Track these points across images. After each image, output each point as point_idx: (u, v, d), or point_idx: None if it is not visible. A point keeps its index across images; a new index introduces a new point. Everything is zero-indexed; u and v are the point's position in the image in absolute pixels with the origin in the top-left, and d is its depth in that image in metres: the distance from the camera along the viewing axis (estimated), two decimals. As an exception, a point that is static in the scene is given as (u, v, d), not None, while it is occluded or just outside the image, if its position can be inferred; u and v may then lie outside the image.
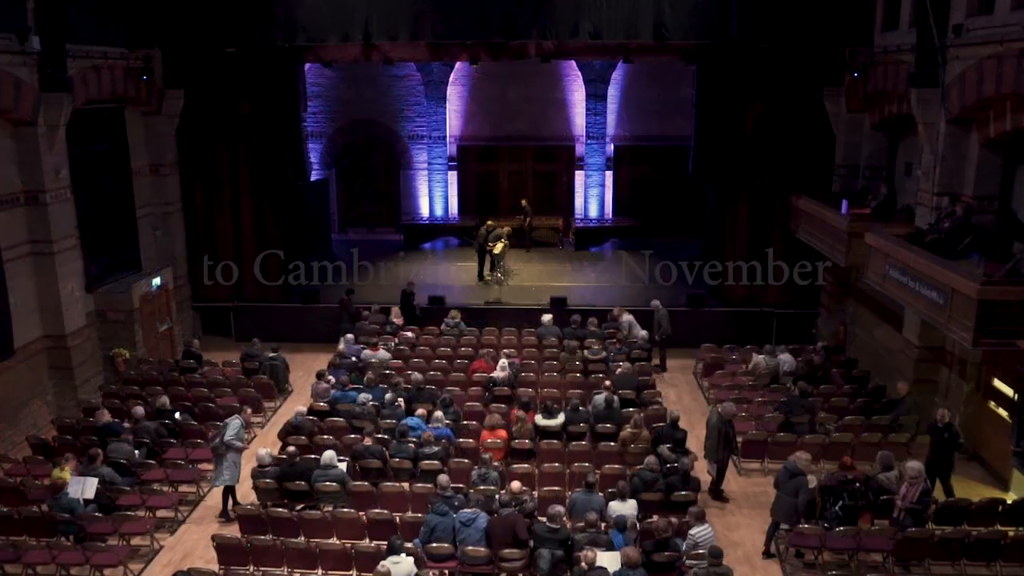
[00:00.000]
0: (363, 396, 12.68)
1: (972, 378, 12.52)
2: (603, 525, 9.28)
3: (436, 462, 10.86)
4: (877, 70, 15.06)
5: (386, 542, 8.81)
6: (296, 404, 13.70)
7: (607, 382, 13.09)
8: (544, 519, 9.29)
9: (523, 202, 22.56)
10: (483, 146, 24.42)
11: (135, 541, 10.32)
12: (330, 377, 13.60)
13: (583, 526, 9.14)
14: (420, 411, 12.10)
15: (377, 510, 9.91)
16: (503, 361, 13.82)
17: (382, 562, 8.35)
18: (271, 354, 15.06)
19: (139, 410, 12.37)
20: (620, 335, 15.67)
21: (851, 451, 11.74)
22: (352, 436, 11.85)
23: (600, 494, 9.89)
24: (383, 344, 15.47)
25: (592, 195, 23.91)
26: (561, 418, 12.10)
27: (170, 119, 17.42)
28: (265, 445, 12.31)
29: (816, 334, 17.33)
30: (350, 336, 15.36)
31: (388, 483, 10.66)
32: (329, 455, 10.61)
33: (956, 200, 12.43)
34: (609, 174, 23.93)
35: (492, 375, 13.66)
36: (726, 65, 17.19)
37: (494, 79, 23.15)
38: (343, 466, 10.79)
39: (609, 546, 8.84)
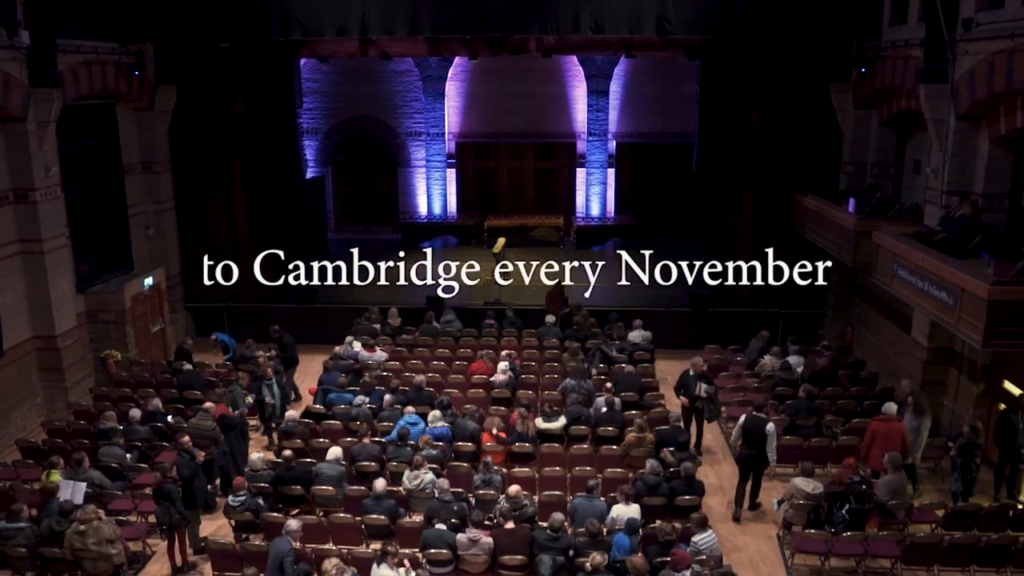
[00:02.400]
0: (359, 398, 12.69)
1: (982, 380, 12.51)
2: (605, 531, 9.27)
3: (435, 465, 10.85)
4: (885, 65, 15.06)
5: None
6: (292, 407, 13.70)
7: (608, 384, 13.08)
8: (545, 525, 9.27)
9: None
10: (482, 143, 24.39)
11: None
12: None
13: (584, 532, 9.12)
14: (409, 409, 12.09)
15: (374, 516, 9.88)
16: (503, 364, 13.80)
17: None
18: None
19: (132, 412, 12.35)
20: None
21: (859, 454, 11.75)
22: (349, 439, 11.83)
23: (602, 499, 9.87)
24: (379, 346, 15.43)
25: (594, 193, 23.89)
26: (562, 420, 12.08)
27: (162, 115, 17.41)
28: (258, 450, 12.31)
29: (823, 335, 17.31)
30: (348, 338, 15.31)
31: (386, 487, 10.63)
32: (335, 452, 10.66)
33: (965, 198, 12.42)
34: (611, 171, 23.92)
35: (492, 378, 13.64)
36: (731, 60, 17.16)
37: (494, 74, 23.15)
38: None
39: (610, 550, 8.83)
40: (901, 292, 12.25)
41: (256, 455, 10.94)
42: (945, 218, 12.53)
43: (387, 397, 12.64)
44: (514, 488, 9.77)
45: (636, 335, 15.48)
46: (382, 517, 9.79)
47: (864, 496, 9.97)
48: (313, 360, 16.44)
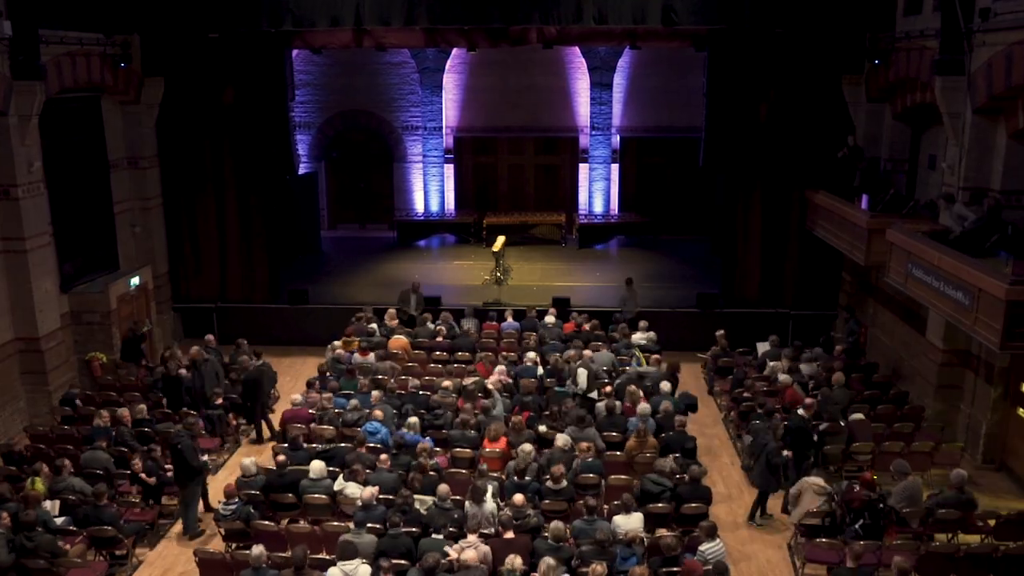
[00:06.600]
0: (352, 402, 12.68)
1: (999, 383, 12.50)
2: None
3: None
4: (899, 57, 15.04)
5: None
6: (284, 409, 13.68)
7: (607, 388, 13.07)
8: (547, 534, 9.25)
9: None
10: (481, 137, 24.42)
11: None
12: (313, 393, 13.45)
13: (589, 542, 9.11)
14: (377, 413, 12.08)
15: (371, 524, 9.86)
16: (501, 366, 13.78)
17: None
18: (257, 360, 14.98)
19: (120, 411, 12.35)
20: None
21: (871, 460, 11.76)
22: (344, 445, 11.81)
23: (603, 519, 9.75)
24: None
25: (597, 189, 23.90)
26: (563, 424, 12.07)
27: (149, 109, 17.39)
28: (249, 455, 12.30)
29: (834, 337, 17.28)
30: (336, 343, 15.29)
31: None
32: (319, 466, 10.58)
33: (983, 195, 12.41)
34: (615, 167, 23.92)
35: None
36: (739, 52, 17.14)
37: (493, 66, 23.13)
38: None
39: (614, 561, 8.82)
40: (916, 292, 12.25)
41: (248, 460, 10.93)
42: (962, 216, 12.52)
43: (374, 393, 12.64)
44: (519, 497, 9.74)
45: (640, 336, 15.47)
46: (378, 525, 9.77)
47: (880, 513, 9.89)
48: (306, 362, 16.46)
